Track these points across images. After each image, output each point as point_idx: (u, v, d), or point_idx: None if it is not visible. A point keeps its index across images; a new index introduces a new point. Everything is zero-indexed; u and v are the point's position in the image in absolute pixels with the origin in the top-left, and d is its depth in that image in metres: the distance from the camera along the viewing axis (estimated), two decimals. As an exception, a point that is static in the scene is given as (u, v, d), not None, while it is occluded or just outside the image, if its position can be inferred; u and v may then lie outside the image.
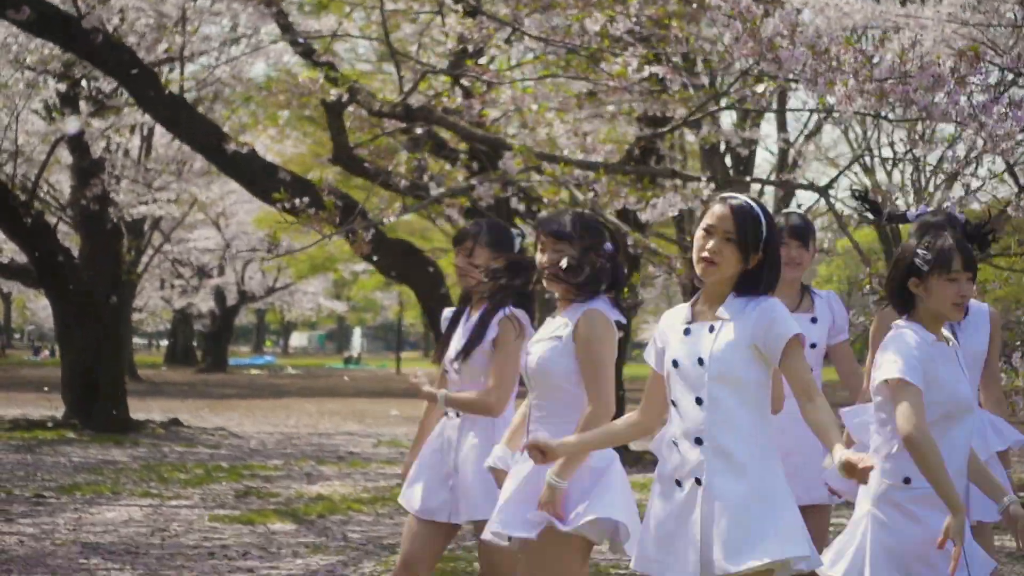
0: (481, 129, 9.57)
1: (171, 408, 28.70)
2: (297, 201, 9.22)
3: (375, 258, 12.39)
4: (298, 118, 33.67)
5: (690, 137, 18.79)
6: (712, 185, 8.11)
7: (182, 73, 17.30)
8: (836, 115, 7.19)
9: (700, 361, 5.13)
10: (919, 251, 5.58)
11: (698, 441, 5.11)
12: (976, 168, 8.85)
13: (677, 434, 5.17)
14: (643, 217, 7.31)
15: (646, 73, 8.17)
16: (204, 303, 52.27)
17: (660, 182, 11.87)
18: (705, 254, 5.15)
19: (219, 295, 53.50)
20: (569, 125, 10.40)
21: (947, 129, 8.64)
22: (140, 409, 25.21)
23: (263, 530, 12.11)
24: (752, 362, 5.14)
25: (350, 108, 10.15)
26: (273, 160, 17.80)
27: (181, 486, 15.23)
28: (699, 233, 5.19)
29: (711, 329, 5.18)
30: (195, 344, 64.91)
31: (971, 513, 6.27)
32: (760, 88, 7.79)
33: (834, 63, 6.95)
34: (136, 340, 68.40)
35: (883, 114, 7.86)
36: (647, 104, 11.48)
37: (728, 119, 27.59)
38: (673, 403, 5.22)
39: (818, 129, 32.23)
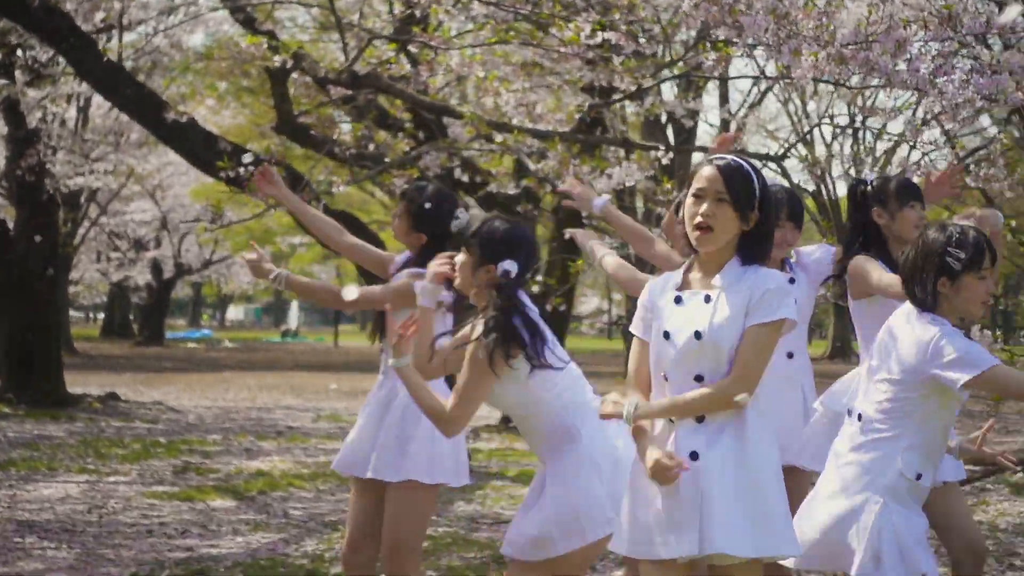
0: (428, 97, 9.30)
1: (108, 382, 28.32)
2: (242, 170, 8.96)
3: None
4: (237, 88, 33.29)
5: (632, 109, 18.58)
6: (670, 155, 7.87)
7: (120, 41, 16.93)
8: (790, 83, 6.97)
9: (698, 335, 4.84)
10: (951, 249, 5.38)
11: (699, 419, 4.85)
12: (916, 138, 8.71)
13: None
14: (598, 187, 7.09)
15: (599, 39, 7.91)
16: (141, 276, 51.71)
17: (604, 155, 11.69)
18: (699, 220, 4.86)
19: (156, 268, 52.93)
20: (515, 95, 10.16)
21: (890, 100, 8.47)
22: (77, 383, 24.84)
23: (202, 507, 11.88)
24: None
25: (294, 75, 9.87)
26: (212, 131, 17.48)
27: (119, 462, 14.96)
28: (689, 201, 4.93)
29: (707, 299, 4.89)
30: (132, 317, 64.34)
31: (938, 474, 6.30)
32: (714, 56, 7.57)
33: (793, 28, 6.77)
34: (72, 313, 67.66)
35: (843, 81, 7.66)
36: (595, 73, 11.28)
37: (670, 91, 27.48)
38: (665, 377, 4.92)
39: (760, 100, 32.16)
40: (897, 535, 5.34)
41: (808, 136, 31.09)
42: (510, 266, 5.54)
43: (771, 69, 7.91)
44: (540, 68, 12.01)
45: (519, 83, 10.28)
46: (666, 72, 9.55)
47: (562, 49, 8.25)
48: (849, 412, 5.68)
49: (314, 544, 10.14)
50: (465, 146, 8.25)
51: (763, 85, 31.22)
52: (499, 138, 8.09)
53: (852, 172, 26.92)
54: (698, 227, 4.84)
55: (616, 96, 10.41)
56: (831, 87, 11.42)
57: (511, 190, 14.65)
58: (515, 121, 9.40)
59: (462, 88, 9.73)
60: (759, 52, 8.04)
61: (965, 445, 5.87)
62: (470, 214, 6.66)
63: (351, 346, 64.32)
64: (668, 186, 7.83)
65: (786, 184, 7.13)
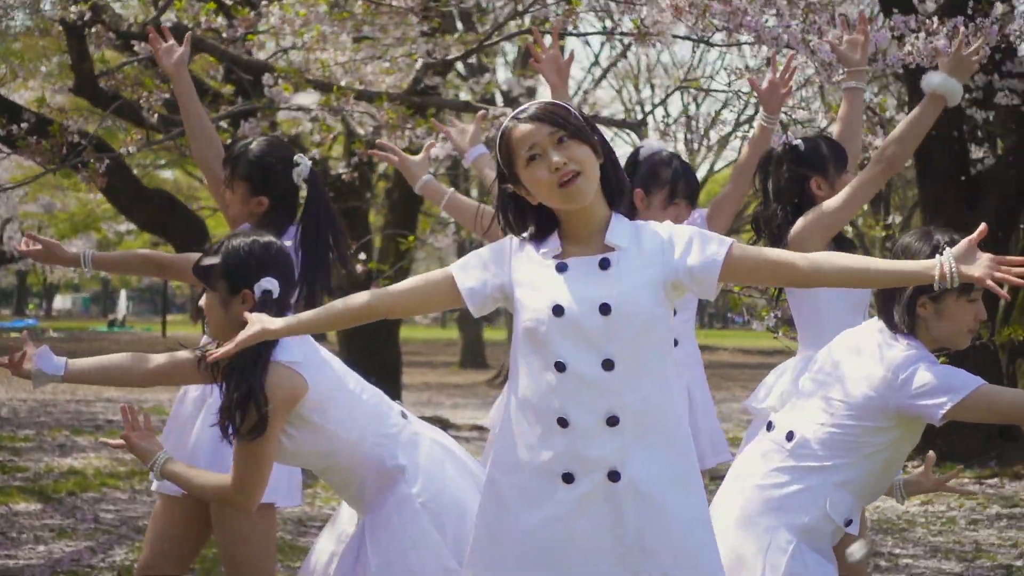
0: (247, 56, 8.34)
1: (-82, 374, 26.91)
2: (15, 128, 7.92)
3: (123, 201, 11.30)
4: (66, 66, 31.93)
5: (465, 95, 17.82)
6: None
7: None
8: (647, 37, 6.27)
9: (605, 308, 3.90)
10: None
11: (612, 421, 3.90)
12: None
13: (563, 409, 3.93)
14: (434, 153, 6.27)
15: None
16: (-41, 264, 49.89)
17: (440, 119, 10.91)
18: (560, 171, 3.91)
19: (-24, 256, 51.06)
20: (344, 67, 9.29)
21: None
22: None
23: (4, 511, 10.84)
24: (662, 306, 3.99)
25: (93, 29, 8.85)
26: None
27: (-84, 461, 13.85)
28: (529, 169, 3.98)
29: (605, 264, 3.97)
30: (-48, 307, 62.24)
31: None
32: (564, 8, 6.80)
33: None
34: None
35: (707, 38, 6.93)
36: (430, 45, 10.54)
37: (504, 73, 26.77)
38: (558, 366, 3.93)
39: (605, 74, 31.41)
40: None
41: (665, 101, 30.53)
42: (269, 284, 4.66)
43: (626, 26, 7.17)
44: (371, 41, 11.23)
45: (348, 54, 9.48)
46: (510, 28, 8.74)
47: (394, 1, 7.38)
48: (769, 425, 4.83)
49: (123, 553, 9.22)
50: (284, 107, 7.34)
51: (602, 65, 30.64)
52: (322, 96, 7.15)
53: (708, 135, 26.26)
54: (562, 180, 3.92)
55: (453, 55, 9.59)
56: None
57: (342, 168, 13.81)
58: (343, 84, 8.49)
59: (279, 41, 8.73)
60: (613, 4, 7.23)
61: (911, 480, 5.20)
62: (308, 164, 5.73)
63: (180, 336, 62.86)
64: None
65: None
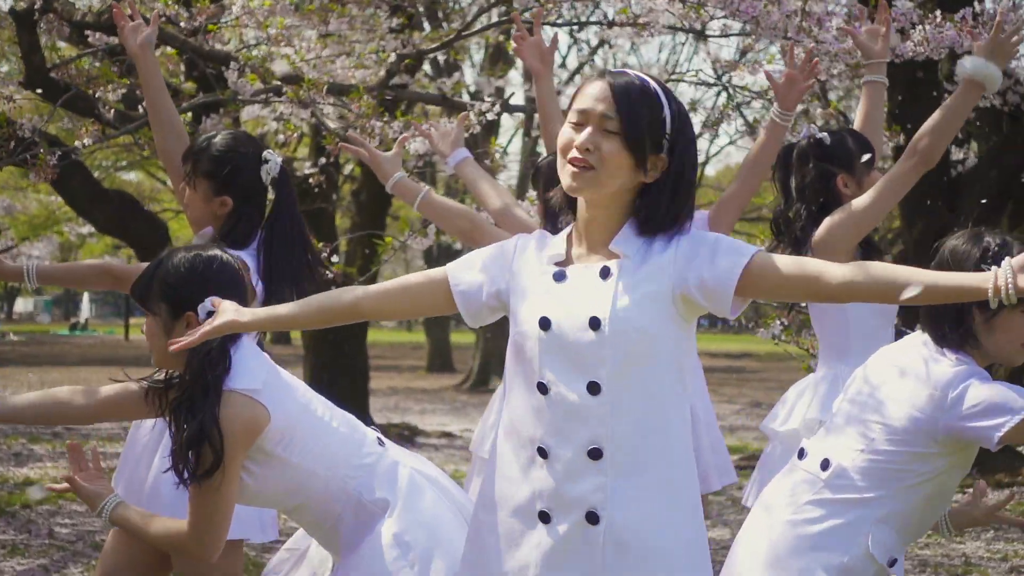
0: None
1: None
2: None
3: (83, 206, 10.85)
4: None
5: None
6: (497, 108, 6.65)
7: None
8: (640, 29, 5.89)
9: (595, 323, 3.40)
10: (985, 266, 3.83)
11: (595, 454, 3.41)
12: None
13: (544, 437, 3.46)
14: (411, 148, 5.85)
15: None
16: (-82, 267, 49.29)
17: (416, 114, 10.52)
18: (573, 153, 3.43)
19: (-65, 259, 50.52)
20: (311, 64, 8.87)
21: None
22: None
23: (-47, 527, 10.39)
24: (671, 323, 3.46)
25: (44, 19, 8.35)
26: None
27: None
28: (565, 130, 3.49)
29: (605, 273, 3.46)
30: (-90, 311, 61.66)
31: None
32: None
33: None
34: None
35: (700, 28, 6.53)
36: (399, 41, 10.16)
37: (471, 74, 26.38)
38: (541, 388, 3.45)
39: (572, 77, 30.94)
40: None
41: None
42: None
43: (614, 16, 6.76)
44: (337, 38, 10.84)
45: (315, 52, 9.07)
46: (485, 20, 8.33)
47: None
48: (801, 453, 4.30)
49: (79, 572, 8.77)
50: (249, 100, 6.92)
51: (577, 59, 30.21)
52: (290, 90, 6.71)
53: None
54: (573, 162, 3.45)
55: (427, 45, 9.18)
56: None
57: (308, 169, 13.37)
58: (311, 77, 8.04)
59: (262, 62, 8.26)
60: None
61: (958, 510, 4.60)
62: (278, 161, 5.21)
63: (143, 339, 62.26)
64: (498, 148, 6.59)
65: None
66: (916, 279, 3.30)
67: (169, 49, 8.04)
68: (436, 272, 3.67)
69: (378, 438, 4.40)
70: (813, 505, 4.11)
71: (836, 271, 3.37)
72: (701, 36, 6.86)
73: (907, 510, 4.10)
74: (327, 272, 5.62)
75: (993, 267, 3.23)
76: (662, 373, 3.46)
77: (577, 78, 27.79)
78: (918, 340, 4.20)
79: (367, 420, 17.90)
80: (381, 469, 4.29)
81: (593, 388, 3.40)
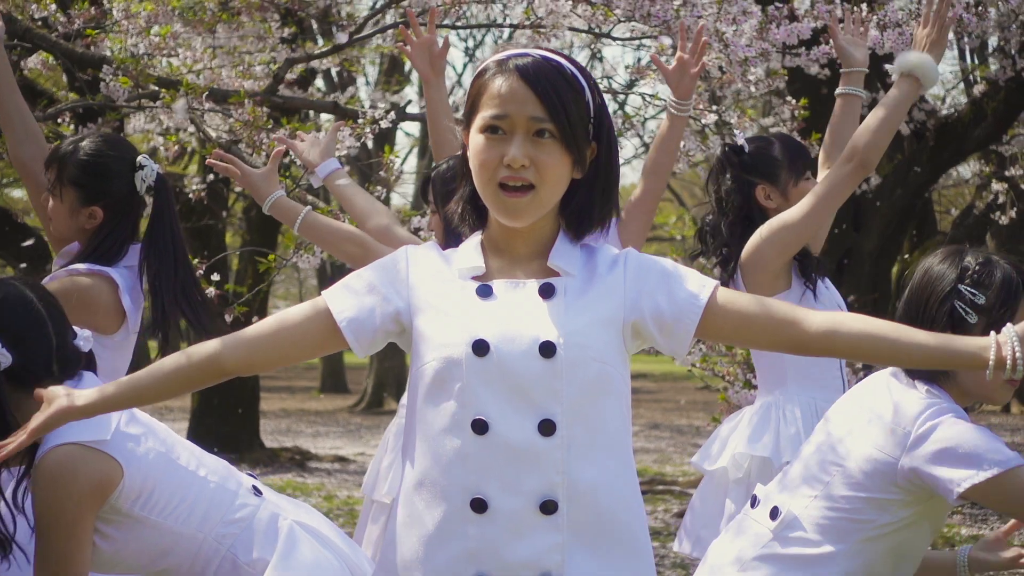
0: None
1: None
2: None
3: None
4: None
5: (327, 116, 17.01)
6: (391, 116, 6.25)
7: None
8: (538, 31, 5.57)
9: (547, 349, 2.83)
10: (964, 289, 3.53)
11: (548, 507, 2.83)
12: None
13: (480, 487, 2.86)
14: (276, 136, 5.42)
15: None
16: None
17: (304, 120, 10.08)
18: (506, 172, 2.86)
19: None
20: (197, 73, 8.42)
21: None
22: None
23: None
24: (620, 353, 2.93)
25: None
26: None
27: None
28: (478, 142, 2.91)
29: (547, 291, 2.91)
30: None
31: None
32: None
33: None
34: None
35: (607, 31, 6.18)
36: (291, 49, 9.74)
37: (366, 91, 25.96)
38: (477, 425, 2.85)
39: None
40: None
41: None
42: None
43: (517, 15, 6.41)
44: (228, 50, 10.40)
45: (203, 63, 8.63)
46: (381, 21, 7.92)
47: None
48: (753, 501, 3.79)
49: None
50: (124, 104, 6.47)
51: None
52: (167, 95, 6.26)
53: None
54: (505, 184, 2.89)
55: (319, 50, 8.75)
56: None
57: (196, 185, 12.89)
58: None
59: (137, 64, 7.77)
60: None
61: (979, 554, 3.97)
62: (155, 168, 4.72)
63: None
64: (394, 158, 6.18)
65: None
66: (904, 338, 2.86)
67: (44, 54, 7.58)
68: (309, 306, 3.03)
69: (254, 487, 3.91)
70: (760, 562, 3.61)
71: (815, 320, 2.90)
72: (610, 39, 6.51)
73: (868, 568, 3.58)
74: (208, 290, 5.15)
75: (993, 334, 2.79)
76: (616, 409, 2.94)
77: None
78: (886, 373, 3.69)
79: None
80: (258, 524, 3.75)
81: (546, 427, 2.85)
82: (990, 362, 2.75)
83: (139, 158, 4.64)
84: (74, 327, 3.87)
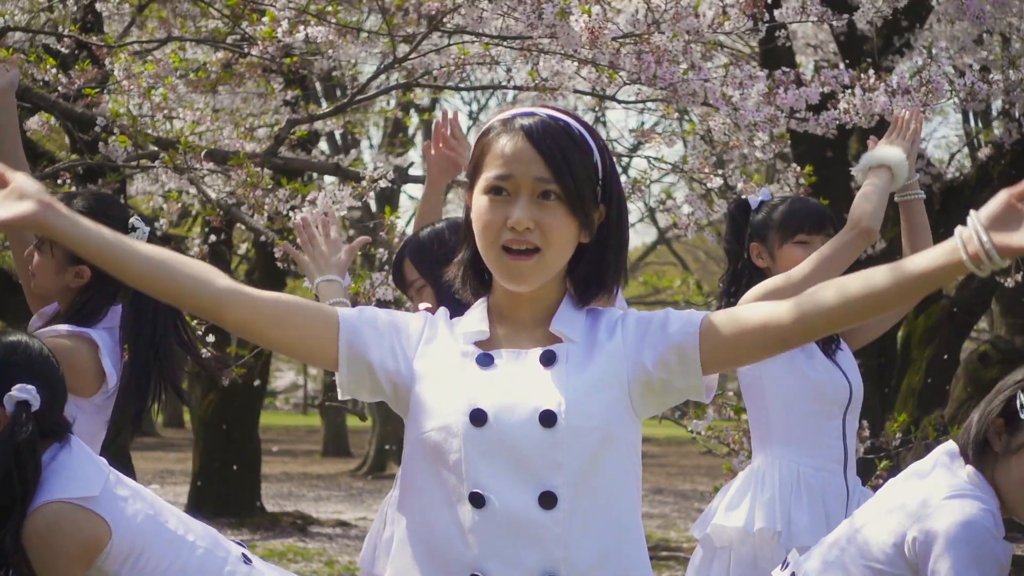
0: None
1: None
2: None
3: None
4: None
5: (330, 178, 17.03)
6: (390, 176, 6.17)
7: None
8: (545, 91, 5.53)
9: (548, 418, 2.71)
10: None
11: None
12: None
13: (479, 562, 2.73)
14: (297, 217, 5.36)
15: (300, 36, 6.20)
16: None
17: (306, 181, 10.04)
18: (510, 235, 2.77)
19: None
20: (199, 135, 8.39)
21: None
22: None
23: None
24: (627, 419, 2.82)
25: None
26: None
27: None
28: (481, 203, 2.82)
29: (548, 359, 2.79)
30: None
31: None
32: (451, 57, 5.97)
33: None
34: None
35: (612, 94, 6.12)
36: (292, 115, 9.73)
37: (369, 155, 25.98)
38: (475, 498, 2.73)
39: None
40: None
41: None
42: (24, 393, 3.59)
43: (521, 79, 6.36)
44: (231, 113, 10.39)
45: (205, 125, 8.61)
46: (385, 80, 7.87)
47: (254, 52, 6.48)
48: (784, 563, 3.73)
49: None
50: (124, 165, 6.41)
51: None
52: (167, 155, 6.20)
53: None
54: (509, 247, 2.79)
55: (323, 111, 8.71)
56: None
57: (198, 245, 12.87)
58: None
59: (135, 123, 7.71)
60: (505, 53, 6.40)
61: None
62: (147, 229, 4.64)
63: None
64: (394, 219, 6.10)
65: None
66: (874, 278, 2.62)
67: (45, 115, 7.55)
68: (329, 310, 2.88)
69: (243, 554, 3.84)
70: None
71: (783, 311, 2.71)
72: (615, 102, 6.45)
73: None
74: (203, 351, 5.04)
75: (958, 229, 2.55)
76: (622, 478, 2.84)
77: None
78: (945, 447, 3.53)
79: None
80: None
81: (547, 500, 2.73)
82: (964, 260, 2.52)
83: (131, 219, 4.58)
84: None
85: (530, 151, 2.78)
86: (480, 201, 2.83)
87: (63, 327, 4.44)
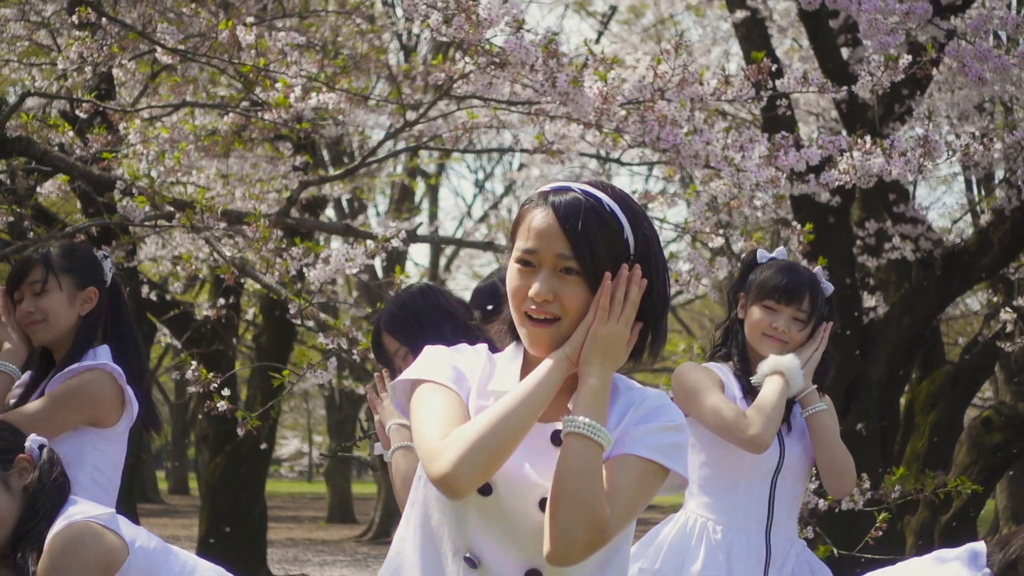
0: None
1: None
2: None
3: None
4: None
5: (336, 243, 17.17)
6: (402, 236, 6.28)
7: None
8: (552, 154, 5.67)
9: (545, 504, 2.81)
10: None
11: None
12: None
13: None
14: (311, 276, 5.48)
15: (312, 102, 6.33)
16: None
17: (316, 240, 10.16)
18: (531, 304, 2.92)
19: None
20: (211, 199, 8.54)
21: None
22: None
23: None
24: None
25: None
26: None
27: None
28: (513, 271, 2.97)
29: (557, 439, 2.89)
30: None
31: None
32: (460, 123, 6.12)
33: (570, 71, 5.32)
34: None
35: (616, 157, 6.26)
36: (303, 177, 9.86)
37: (375, 220, 26.17)
38: (470, 560, 2.86)
39: (483, 218, 30.69)
40: None
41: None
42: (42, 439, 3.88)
43: (527, 142, 6.49)
44: (240, 178, 10.52)
45: (217, 187, 8.75)
46: (394, 145, 8.03)
47: (267, 116, 6.62)
48: None
49: None
50: (139, 224, 6.53)
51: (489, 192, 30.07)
52: (184, 216, 6.31)
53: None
54: (531, 315, 2.93)
55: (333, 173, 8.86)
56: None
57: (207, 311, 12.98)
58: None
59: (152, 183, 7.86)
60: (513, 118, 6.55)
61: None
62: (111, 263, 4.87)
63: None
64: (403, 277, 6.23)
65: None
66: None
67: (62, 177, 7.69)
68: (455, 398, 2.97)
69: None
70: None
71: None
72: (619, 164, 6.58)
73: None
74: (216, 405, 5.18)
75: None
76: (613, 558, 2.96)
77: (483, 227, 27.62)
78: (969, 546, 3.41)
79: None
80: None
81: None
82: None
83: (98, 254, 4.81)
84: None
85: (555, 228, 2.89)
86: (512, 268, 2.96)
87: (78, 365, 4.58)
